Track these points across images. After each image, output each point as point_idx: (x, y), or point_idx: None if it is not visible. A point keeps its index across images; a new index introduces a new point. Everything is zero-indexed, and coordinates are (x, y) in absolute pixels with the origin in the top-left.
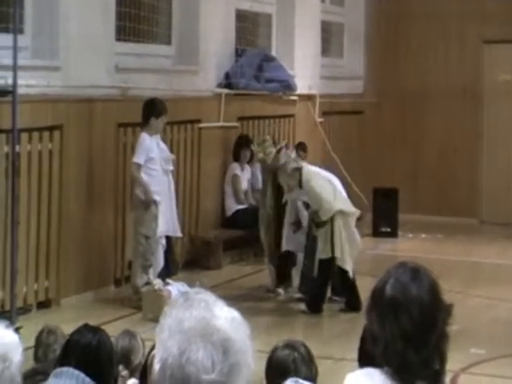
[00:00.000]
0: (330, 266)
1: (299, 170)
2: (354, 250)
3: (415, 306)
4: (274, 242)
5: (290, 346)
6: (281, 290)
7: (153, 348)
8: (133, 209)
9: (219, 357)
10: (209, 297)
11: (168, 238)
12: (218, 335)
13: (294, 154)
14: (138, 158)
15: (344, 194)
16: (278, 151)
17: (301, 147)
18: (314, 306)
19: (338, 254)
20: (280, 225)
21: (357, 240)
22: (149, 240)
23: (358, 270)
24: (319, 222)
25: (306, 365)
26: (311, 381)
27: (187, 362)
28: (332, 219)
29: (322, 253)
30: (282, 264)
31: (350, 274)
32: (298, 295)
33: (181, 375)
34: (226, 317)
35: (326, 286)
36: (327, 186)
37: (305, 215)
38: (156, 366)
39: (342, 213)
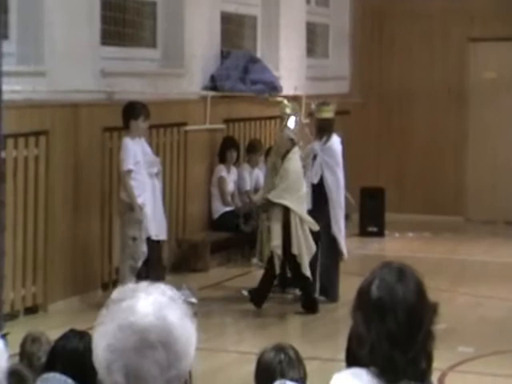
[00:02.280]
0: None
1: (293, 143)
2: (308, 253)
3: (401, 307)
4: None
5: (277, 348)
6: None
7: None
8: (119, 213)
9: (162, 355)
10: (131, 294)
11: (154, 241)
12: (152, 335)
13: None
14: (128, 165)
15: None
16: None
17: None
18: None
19: (295, 250)
20: None
21: (311, 245)
22: (136, 241)
23: (345, 269)
24: (267, 203)
25: (294, 367)
26: (300, 383)
27: (135, 381)
28: (289, 215)
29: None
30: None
31: (307, 273)
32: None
33: None
34: (152, 311)
35: (272, 278)
36: (299, 180)
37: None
38: None
39: (299, 216)
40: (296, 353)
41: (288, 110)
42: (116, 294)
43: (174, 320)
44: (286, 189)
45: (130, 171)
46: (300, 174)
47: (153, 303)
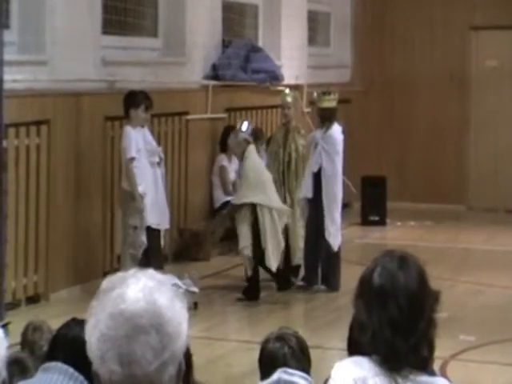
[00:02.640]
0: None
1: (248, 142)
2: (276, 247)
3: (403, 294)
4: None
5: (281, 338)
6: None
7: None
8: (120, 202)
9: (156, 339)
10: (120, 282)
11: (154, 230)
12: (144, 320)
13: (250, 129)
14: (131, 153)
15: (274, 191)
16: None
17: None
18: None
19: (263, 244)
20: None
21: (280, 239)
22: (137, 230)
23: (347, 258)
24: (235, 207)
25: (297, 358)
26: (303, 371)
27: (130, 367)
28: (256, 212)
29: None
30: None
31: (274, 269)
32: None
33: (129, 381)
34: (142, 296)
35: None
36: (260, 175)
37: None
38: None
39: (268, 208)
40: (300, 342)
41: (289, 99)
42: (105, 283)
43: (164, 303)
44: (248, 187)
45: (132, 159)
46: (260, 168)
47: (142, 289)
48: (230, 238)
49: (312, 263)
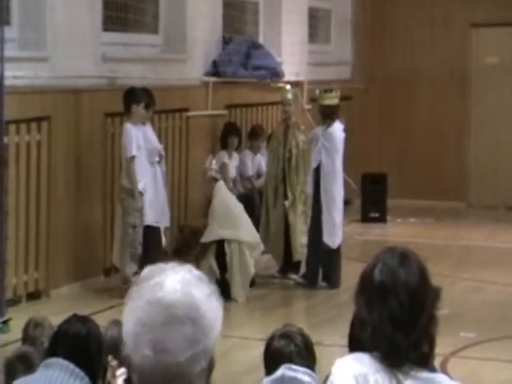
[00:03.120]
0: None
1: (216, 180)
2: (244, 279)
3: (403, 290)
4: None
5: (286, 336)
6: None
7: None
8: (120, 200)
9: (190, 330)
10: (159, 272)
11: (155, 228)
12: (180, 310)
13: (215, 166)
14: (131, 151)
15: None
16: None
17: None
18: None
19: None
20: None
21: (250, 269)
22: (136, 229)
23: (347, 255)
24: (205, 245)
25: (302, 356)
26: (308, 369)
27: (163, 354)
28: (227, 245)
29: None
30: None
31: (241, 299)
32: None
33: (161, 369)
34: (180, 287)
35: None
36: (229, 210)
37: None
38: (133, 377)
39: (237, 242)
40: (305, 340)
41: (289, 96)
42: (144, 272)
43: (200, 297)
44: (216, 224)
45: (133, 157)
46: (229, 204)
47: (181, 280)
48: None
49: (313, 261)
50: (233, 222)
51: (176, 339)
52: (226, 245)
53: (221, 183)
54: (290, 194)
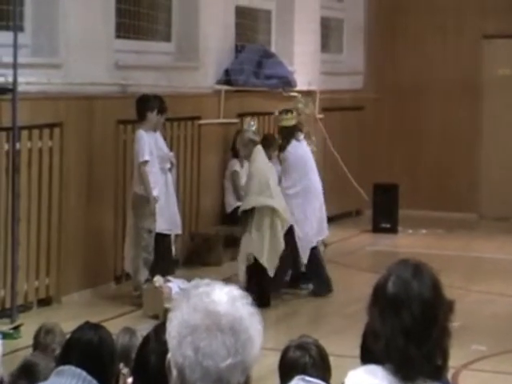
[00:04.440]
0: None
1: (255, 143)
2: (274, 252)
3: (416, 303)
4: None
5: (302, 347)
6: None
7: (145, 343)
8: (133, 206)
9: (231, 340)
10: (206, 284)
11: (165, 235)
12: (224, 320)
13: (255, 127)
14: (144, 156)
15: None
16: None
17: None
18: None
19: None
20: None
21: (280, 244)
22: (151, 234)
23: (358, 265)
24: (246, 213)
25: (317, 368)
26: (323, 381)
27: (204, 357)
28: (259, 214)
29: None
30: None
31: (270, 273)
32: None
33: (200, 371)
34: (226, 300)
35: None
36: (266, 178)
37: None
38: (173, 372)
39: (272, 211)
40: (320, 351)
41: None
42: (192, 283)
43: (244, 313)
44: (255, 190)
45: (146, 162)
46: (266, 171)
47: (228, 293)
48: (240, 243)
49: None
50: (270, 190)
51: (217, 345)
52: (265, 213)
53: (259, 147)
54: None
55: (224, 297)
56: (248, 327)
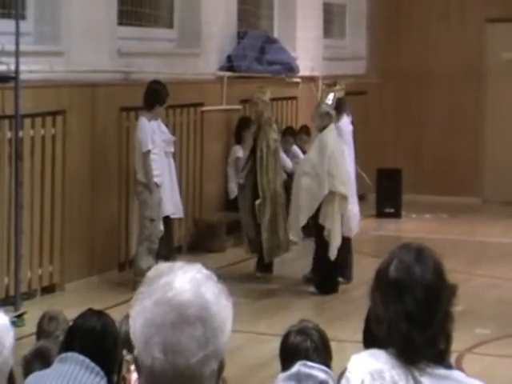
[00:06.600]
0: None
1: (330, 118)
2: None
3: (419, 287)
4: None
5: (303, 332)
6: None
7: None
8: (136, 194)
9: (200, 331)
10: (168, 271)
11: (167, 220)
12: (189, 311)
13: (330, 101)
14: (147, 146)
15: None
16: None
17: (304, 131)
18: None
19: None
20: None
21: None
22: (154, 222)
23: (361, 250)
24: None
25: (318, 352)
26: (324, 365)
27: (174, 356)
28: (333, 196)
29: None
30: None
31: (334, 253)
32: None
33: (171, 371)
34: (189, 287)
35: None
36: (341, 156)
37: None
38: (143, 373)
39: (341, 197)
40: (321, 336)
41: (265, 97)
42: (152, 271)
43: (210, 297)
44: (341, 177)
45: (149, 151)
46: (339, 151)
47: (190, 280)
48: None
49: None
50: (339, 170)
51: (186, 340)
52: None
53: (332, 126)
54: (261, 194)
55: (187, 285)
56: (216, 313)
